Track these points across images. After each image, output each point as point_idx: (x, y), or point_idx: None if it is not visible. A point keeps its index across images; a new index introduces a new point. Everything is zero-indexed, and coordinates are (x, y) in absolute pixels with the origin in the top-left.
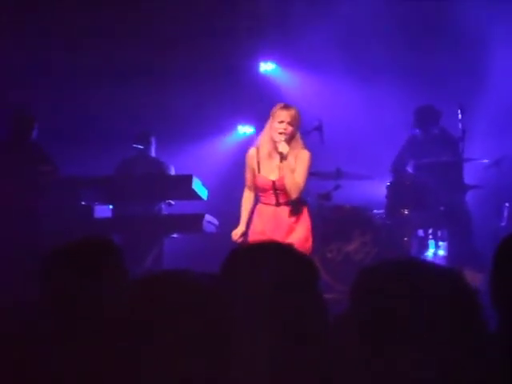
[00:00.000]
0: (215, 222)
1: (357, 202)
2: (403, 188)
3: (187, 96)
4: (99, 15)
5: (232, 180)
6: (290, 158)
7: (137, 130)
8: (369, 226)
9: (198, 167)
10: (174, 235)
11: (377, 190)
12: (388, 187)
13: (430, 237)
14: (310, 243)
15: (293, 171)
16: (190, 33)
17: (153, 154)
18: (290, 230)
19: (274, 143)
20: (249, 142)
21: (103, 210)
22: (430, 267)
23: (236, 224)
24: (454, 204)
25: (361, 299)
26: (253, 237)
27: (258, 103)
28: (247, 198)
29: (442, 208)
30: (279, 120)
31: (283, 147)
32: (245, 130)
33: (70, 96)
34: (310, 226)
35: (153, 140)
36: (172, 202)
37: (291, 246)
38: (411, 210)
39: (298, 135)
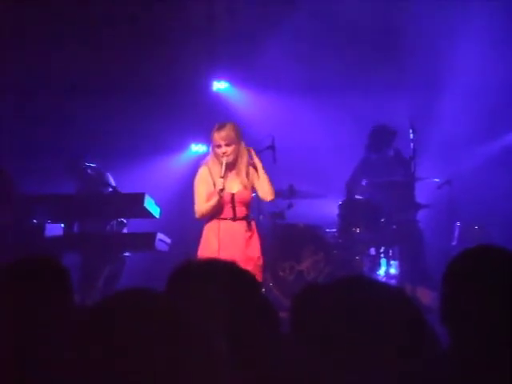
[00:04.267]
0: (167, 240)
1: (309, 220)
2: (355, 207)
3: (140, 114)
4: (48, 26)
5: (185, 199)
6: (242, 172)
7: (90, 147)
8: (321, 244)
9: (151, 185)
10: (126, 254)
11: (329, 208)
12: (340, 206)
13: (382, 255)
14: (262, 259)
15: (246, 186)
16: (143, 51)
17: (89, 171)
18: (248, 244)
19: (220, 158)
20: (202, 160)
21: (55, 228)
22: (375, 285)
23: (188, 242)
24: (405, 223)
25: (299, 321)
26: (206, 254)
27: (211, 122)
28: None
29: (393, 227)
30: (216, 144)
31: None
32: (197, 148)
33: (17, 110)
34: (261, 244)
35: (88, 158)
36: (124, 221)
37: (234, 264)
38: (363, 229)
39: (242, 146)
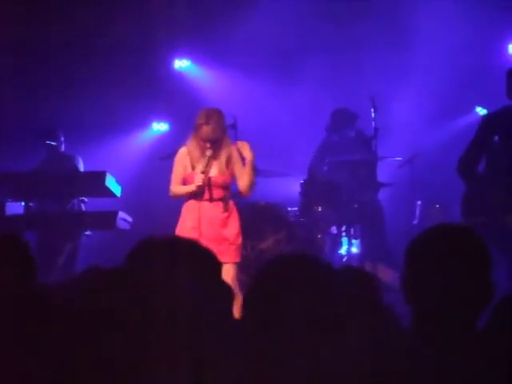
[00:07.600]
0: (129, 218)
1: (271, 199)
2: (317, 185)
3: (102, 92)
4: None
5: (146, 177)
6: (222, 158)
7: (48, 126)
8: (283, 223)
9: (112, 164)
10: (87, 232)
11: (291, 187)
12: (302, 184)
13: (344, 234)
14: (240, 239)
15: (223, 171)
16: (105, 29)
17: (62, 149)
18: (224, 225)
19: (203, 148)
20: (163, 138)
21: (15, 207)
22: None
23: (150, 221)
24: (367, 202)
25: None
26: (183, 233)
27: (173, 100)
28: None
29: (355, 205)
30: (202, 138)
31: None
32: (159, 126)
33: None
34: (239, 223)
35: (61, 136)
36: (85, 199)
37: (195, 242)
38: (325, 208)
39: (225, 137)
